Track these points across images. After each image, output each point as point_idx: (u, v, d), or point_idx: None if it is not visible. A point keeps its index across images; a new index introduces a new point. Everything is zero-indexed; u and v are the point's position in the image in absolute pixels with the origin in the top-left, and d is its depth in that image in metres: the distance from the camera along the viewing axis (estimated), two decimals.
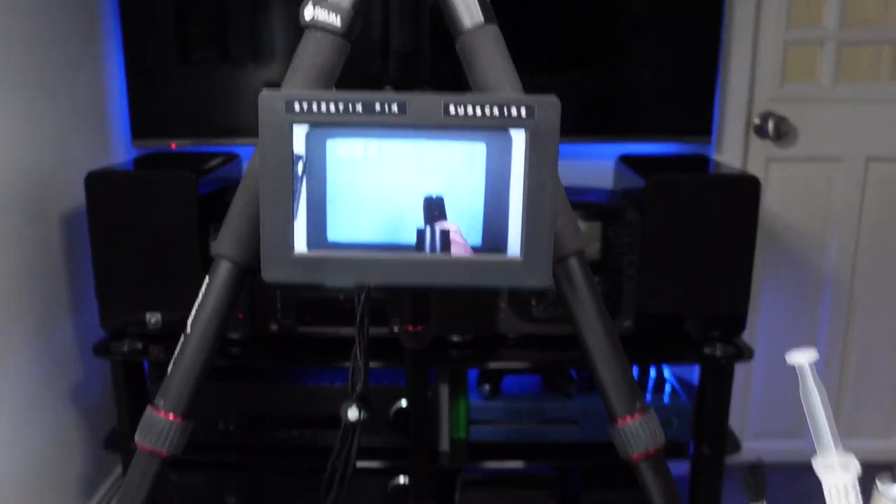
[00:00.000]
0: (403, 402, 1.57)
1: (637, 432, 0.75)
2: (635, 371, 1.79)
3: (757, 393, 2.20)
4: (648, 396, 1.69)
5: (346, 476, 0.91)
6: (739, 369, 2.06)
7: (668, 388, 1.75)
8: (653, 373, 1.79)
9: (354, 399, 0.89)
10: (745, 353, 1.58)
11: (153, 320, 1.59)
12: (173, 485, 1.63)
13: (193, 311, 0.78)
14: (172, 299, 1.55)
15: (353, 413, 0.90)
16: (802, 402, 0.59)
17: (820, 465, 0.59)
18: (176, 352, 0.78)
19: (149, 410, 0.76)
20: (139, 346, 1.57)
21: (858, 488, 0.58)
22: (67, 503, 1.80)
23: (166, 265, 1.53)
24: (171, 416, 0.75)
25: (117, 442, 1.64)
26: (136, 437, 0.75)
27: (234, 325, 1.57)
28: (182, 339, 0.77)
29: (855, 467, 0.58)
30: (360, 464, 1.59)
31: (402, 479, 1.62)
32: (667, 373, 1.80)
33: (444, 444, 1.64)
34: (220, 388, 1.60)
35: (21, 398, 1.58)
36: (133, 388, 1.60)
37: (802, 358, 0.58)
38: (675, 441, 1.63)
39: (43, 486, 1.68)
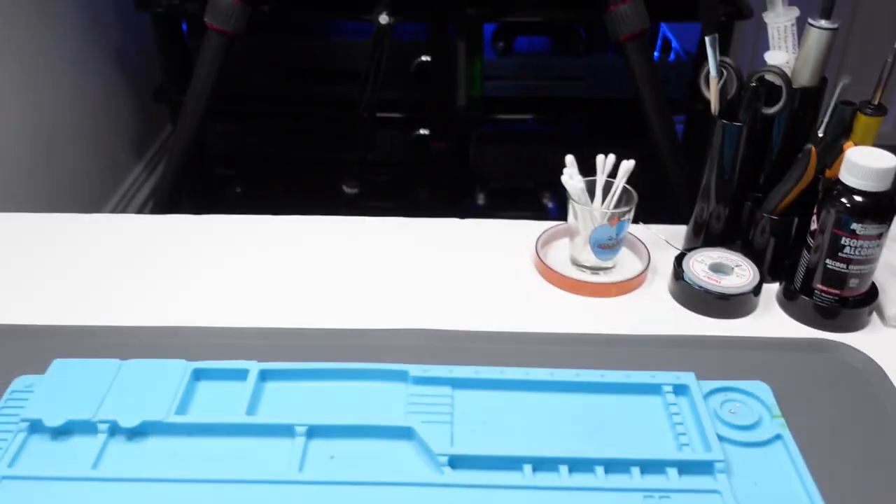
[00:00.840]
0: (424, 57, 1.70)
1: (627, 14, 0.88)
2: None
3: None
4: (656, 55, 1.81)
5: (379, 72, 1.06)
6: (747, 35, 2.14)
7: (672, 54, 1.87)
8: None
9: (385, 5, 1.02)
10: (744, 12, 1.67)
11: None
12: (217, 133, 1.81)
13: None
14: None
15: (384, 18, 1.03)
16: None
17: (769, 16, 0.73)
18: None
19: None
20: (176, 1, 1.68)
21: (796, 30, 0.72)
22: (121, 160, 2.02)
23: None
24: None
25: (164, 94, 1.80)
26: (206, 18, 0.89)
27: None
28: None
29: (795, 14, 0.72)
30: (384, 114, 1.76)
31: (422, 131, 1.79)
32: (674, 43, 1.90)
33: (461, 100, 1.79)
34: (253, 44, 1.72)
35: (71, 58, 1.72)
36: (174, 43, 1.73)
37: None
38: (672, 98, 1.78)
39: (99, 142, 1.88)
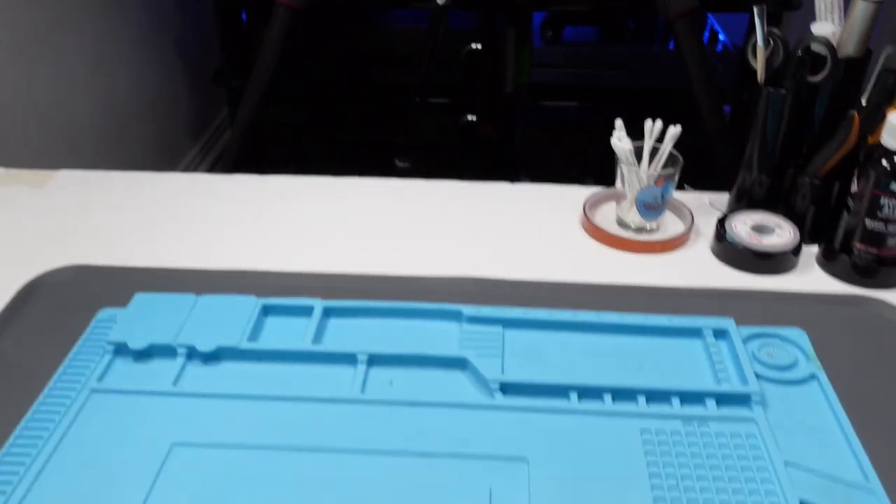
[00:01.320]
0: (474, 45, 1.74)
1: None
2: None
3: None
4: None
5: (434, 53, 1.10)
6: (794, 26, 2.15)
7: (719, 45, 1.89)
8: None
9: None
10: (793, 3, 1.68)
11: None
12: (272, 116, 1.87)
13: None
14: None
15: (441, 0, 1.08)
16: None
17: None
18: None
19: None
20: None
21: (842, 3, 0.75)
22: (178, 141, 2.09)
23: None
24: None
25: (222, 78, 1.87)
26: None
27: None
28: None
29: None
30: (434, 100, 1.80)
31: (470, 117, 1.84)
32: (721, 35, 1.92)
33: (509, 87, 1.83)
34: (308, 29, 1.78)
35: (134, 44, 1.79)
36: (234, 28, 1.79)
37: None
38: (719, 88, 1.80)
39: (159, 124, 1.95)
